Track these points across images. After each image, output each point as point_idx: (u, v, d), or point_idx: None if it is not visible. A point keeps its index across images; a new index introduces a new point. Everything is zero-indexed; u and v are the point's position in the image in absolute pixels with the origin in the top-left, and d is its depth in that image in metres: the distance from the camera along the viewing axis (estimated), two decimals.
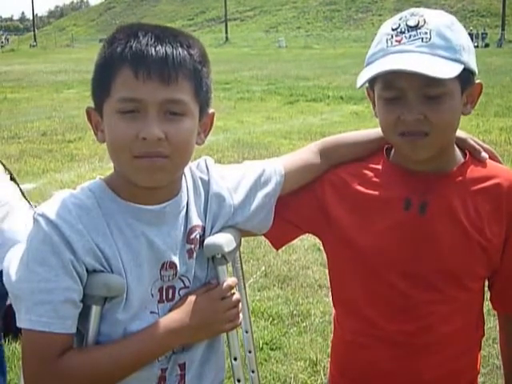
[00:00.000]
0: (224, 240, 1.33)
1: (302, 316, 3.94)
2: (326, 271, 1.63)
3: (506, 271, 1.45)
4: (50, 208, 1.19)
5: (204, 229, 1.34)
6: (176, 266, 1.29)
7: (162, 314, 1.28)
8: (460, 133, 1.45)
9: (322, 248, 1.60)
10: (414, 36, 1.29)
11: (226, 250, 1.33)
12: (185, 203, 1.32)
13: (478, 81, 1.38)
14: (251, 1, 77.73)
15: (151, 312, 1.27)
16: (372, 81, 1.35)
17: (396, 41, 1.30)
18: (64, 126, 11.47)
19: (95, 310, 1.21)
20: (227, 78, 19.29)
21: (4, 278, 1.22)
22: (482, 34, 47.47)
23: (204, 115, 1.28)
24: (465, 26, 1.40)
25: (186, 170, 1.34)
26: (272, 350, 3.54)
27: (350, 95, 14.70)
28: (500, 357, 1.66)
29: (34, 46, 66.20)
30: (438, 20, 1.30)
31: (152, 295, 1.27)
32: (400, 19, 1.33)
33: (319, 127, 10.90)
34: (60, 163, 8.57)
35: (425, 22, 1.29)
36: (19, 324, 1.18)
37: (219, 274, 1.35)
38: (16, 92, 17.35)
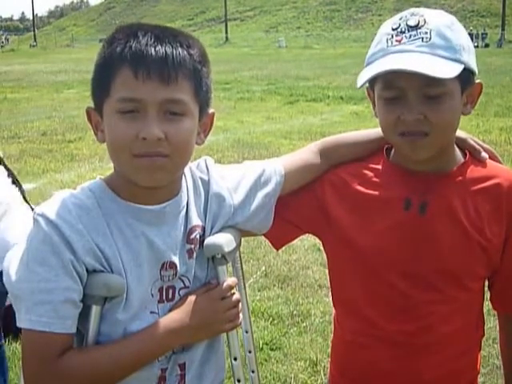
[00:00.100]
0: (224, 240, 1.33)
1: (302, 316, 3.94)
2: (326, 271, 1.63)
3: (506, 271, 1.45)
4: (50, 208, 1.19)
5: (204, 229, 1.34)
6: (176, 266, 1.29)
7: (162, 314, 1.28)
8: (460, 133, 1.45)
9: (322, 248, 1.60)
10: (414, 36, 1.29)
11: (226, 250, 1.33)
12: (185, 203, 1.32)
13: (478, 81, 1.38)
14: (251, 1, 77.73)
15: (151, 312, 1.27)
16: (372, 81, 1.35)
17: (396, 41, 1.30)
18: (64, 125, 11.47)
19: (95, 310, 1.21)
20: (227, 78, 19.29)
21: (4, 278, 1.22)
22: (482, 34, 47.47)
23: (204, 115, 1.28)
24: (465, 26, 1.40)
25: (186, 169, 1.34)
26: (272, 350, 3.54)
27: (350, 95, 14.70)
28: (500, 357, 1.66)
29: (33, 46, 66.22)
30: (438, 20, 1.30)
31: (152, 295, 1.27)
32: (400, 19, 1.33)
33: (319, 127, 10.90)
34: (60, 163, 8.57)
35: (425, 21, 1.29)
36: (19, 324, 1.18)
37: (219, 274, 1.35)
38: (16, 92, 17.36)
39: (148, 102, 1.16)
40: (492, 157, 1.49)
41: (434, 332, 1.44)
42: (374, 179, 1.47)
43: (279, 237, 1.56)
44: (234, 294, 1.34)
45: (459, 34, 1.32)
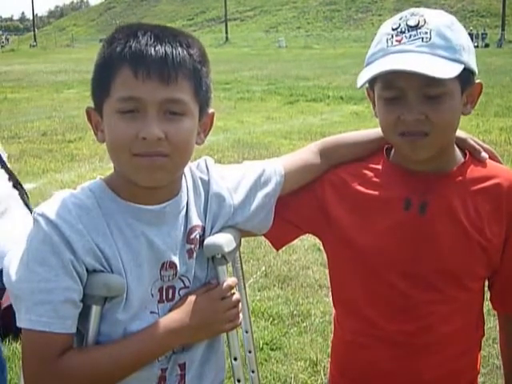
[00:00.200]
0: (224, 240, 1.33)
1: (302, 316, 3.94)
2: (326, 271, 1.63)
3: (506, 271, 1.45)
4: (50, 208, 1.19)
5: (204, 229, 1.34)
6: (176, 266, 1.29)
7: (162, 314, 1.28)
8: (460, 133, 1.45)
9: (322, 248, 1.60)
10: (414, 36, 1.29)
11: (226, 250, 1.33)
12: (185, 203, 1.32)
13: (478, 81, 1.38)
14: (251, 1, 77.75)
15: (151, 312, 1.27)
16: (372, 81, 1.35)
17: (396, 41, 1.30)
18: (64, 125, 11.47)
19: (95, 309, 1.21)
20: (227, 78, 19.29)
21: (4, 278, 1.22)
22: (482, 34, 47.48)
23: (204, 115, 1.28)
24: (465, 26, 1.40)
25: (186, 170, 1.34)
26: (272, 350, 3.54)
27: (350, 95, 14.69)
28: (500, 357, 1.66)
29: (34, 46, 66.24)
30: (438, 20, 1.30)
31: (152, 295, 1.27)
32: (400, 19, 1.32)
33: (319, 127, 10.89)
34: (60, 163, 8.57)
35: (425, 21, 1.29)
36: (19, 324, 1.18)
37: (219, 274, 1.35)
38: (16, 92, 17.35)
39: (148, 102, 1.16)
40: (492, 157, 1.49)
41: (434, 332, 1.44)
42: (374, 179, 1.47)
43: (279, 237, 1.56)
44: (234, 293, 1.34)
45: (459, 34, 1.32)
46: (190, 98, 1.20)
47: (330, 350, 1.68)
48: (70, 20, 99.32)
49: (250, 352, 1.51)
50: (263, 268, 4.73)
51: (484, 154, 1.46)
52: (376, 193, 1.45)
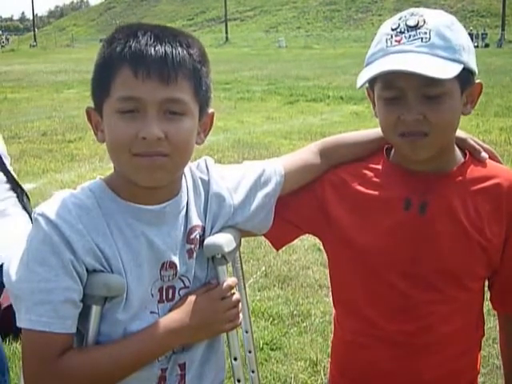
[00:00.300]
0: (224, 240, 1.33)
1: (303, 316, 3.94)
2: (326, 271, 1.63)
3: (506, 271, 1.45)
4: (50, 208, 1.19)
5: (204, 229, 1.34)
6: (176, 266, 1.29)
7: (162, 314, 1.28)
8: (460, 133, 1.45)
9: (322, 248, 1.60)
10: (414, 36, 1.29)
11: (226, 250, 1.33)
12: (185, 203, 1.32)
13: (478, 81, 1.38)
14: (251, 1, 77.74)
15: (151, 312, 1.27)
16: (372, 81, 1.35)
17: (396, 41, 1.30)
18: (64, 126, 11.47)
19: (95, 309, 1.21)
20: (227, 78, 19.29)
21: (4, 278, 1.22)
22: (482, 34, 47.48)
23: (204, 115, 1.28)
24: (465, 26, 1.40)
25: (186, 170, 1.34)
26: (272, 350, 3.54)
27: (350, 95, 14.69)
28: (500, 357, 1.66)
29: (34, 46, 66.24)
30: (437, 20, 1.30)
31: (152, 295, 1.27)
32: (400, 19, 1.32)
33: (319, 127, 10.89)
34: (60, 163, 8.57)
35: (424, 21, 1.29)
36: (19, 324, 1.18)
37: (219, 274, 1.35)
38: (16, 92, 17.35)
39: (148, 102, 1.16)
40: (492, 157, 1.49)
41: (434, 332, 1.44)
42: (374, 179, 1.47)
43: (279, 237, 1.56)
44: (234, 293, 1.34)
45: (459, 34, 1.32)
46: (189, 98, 1.20)
47: (330, 349, 1.68)
48: (70, 20, 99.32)
49: (250, 352, 1.51)
50: (263, 268, 4.73)
51: (484, 154, 1.46)
52: (376, 193, 1.45)
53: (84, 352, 1.22)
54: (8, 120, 12.10)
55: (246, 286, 1.57)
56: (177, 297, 1.31)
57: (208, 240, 1.33)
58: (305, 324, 3.83)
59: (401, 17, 1.33)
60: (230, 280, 1.35)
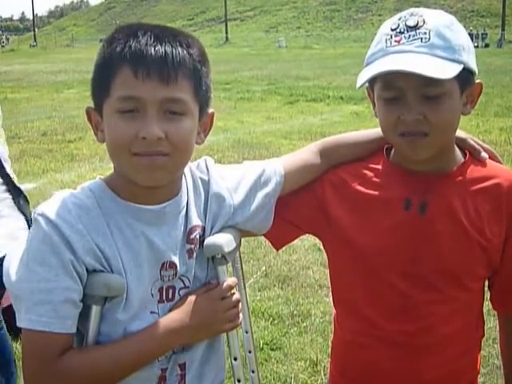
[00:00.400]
0: (224, 240, 1.33)
1: (303, 316, 3.94)
2: (327, 271, 1.63)
3: (506, 271, 1.45)
4: (50, 208, 1.19)
5: (204, 229, 1.34)
6: (176, 266, 1.29)
7: (162, 314, 1.28)
8: (460, 133, 1.45)
9: (322, 248, 1.60)
10: (413, 36, 1.28)
11: (226, 250, 1.33)
12: (185, 203, 1.32)
13: (477, 81, 1.38)
14: (251, 1, 77.75)
15: (151, 312, 1.27)
16: (372, 81, 1.35)
17: (395, 41, 1.30)
18: (64, 125, 11.47)
19: (95, 309, 1.21)
20: (227, 78, 19.29)
21: (4, 278, 1.22)
22: (482, 34, 47.48)
23: (204, 115, 1.28)
24: (465, 26, 1.40)
25: (186, 170, 1.34)
26: (272, 350, 3.54)
27: (350, 95, 14.70)
28: (500, 357, 1.66)
29: (34, 46, 66.24)
30: (437, 20, 1.30)
31: (152, 295, 1.27)
32: (399, 19, 1.32)
33: (319, 127, 10.90)
34: (60, 163, 8.57)
35: (424, 22, 1.29)
36: (19, 324, 1.18)
37: (219, 274, 1.35)
38: (16, 92, 17.35)
39: (148, 101, 1.16)
40: (492, 157, 1.49)
41: (434, 332, 1.44)
42: (374, 179, 1.47)
43: (279, 237, 1.56)
44: (233, 294, 1.34)
45: (458, 34, 1.32)
46: (189, 98, 1.20)
47: (330, 350, 1.68)
48: (70, 20, 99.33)
49: (250, 352, 1.51)
50: (263, 268, 4.73)
51: (484, 154, 1.46)
52: (376, 193, 1.45)
53: (84, 352, 1.22)
54: (8, 120, 12.06)
55: (246, 285, 1.57)
56: (177, 297, 1.31)
57: (208, 240, 1.33)
58: (305, 324, 3.83)
59: (400, 17, 1.33)
60: (229, 280, 1.35)
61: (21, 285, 1.18)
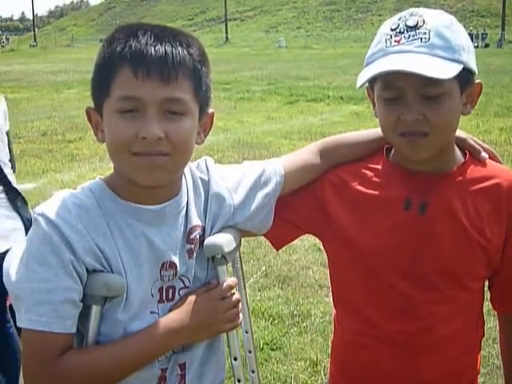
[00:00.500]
0: (224, 240, 1.33)
1: (303, 316, 3.94)
2: (327, 271, 1.63)
3: (506, 271, 1.45)
4: (50, 208, 1.19)
5: (204, 229, 1.34)
6: (176, 266, 1.29)
7: (162, 314, 1.27)
8: (460, 133, 1.45)
9: (322, 248, 1.60)
10: (413, 36, 1.28)
11: (226, 250, 1.33)
12: (185, 203, 1.32)
13: (477, 81, 1.38)
14: (251, 1, 77.75)
15: (151, 312, 1.27)
16: (372, 81, 1.35)
17: (395, 41, 1.30)
18: (64, 125, 11.47)
19: (95, 309, 1.21)
20: (227, 78, 19.30)
21: (4, 278, 1.22)
22: (482, 34, 47.47)
23: (204, 115, 1.28)
24: (465, 26, 1.40)
25: (186, 170, 1.34)
26: (272, 350, 3.54)
27: (350, 95, 14.70)
28: (500, 357, 1.66)
29: (34, 46, 66.24)
30: (437, 20, 1.30)
31: (152, 295, 1.27)
32: (399, 19, 1.32)
33: (319, 127, 10.90)
34: (60, 163, 8.57)
35: (424, 22, 1.29)
36: (19, 324, 1.18)
37: (219, 274, 1.35)
38: (16, 92, 17.35)
39: (148, 101, 1.16)
40: (492, 157, 1.49)
41: (434, 332, 1.44)
42: (374, 179, 1.47)
43: (279, 237, 1.56)
44: (233, 293, 1.34)
45: (458, 34, 1.32)
46: (190, 98, 1.20)
47: (330, 349, 1.68)
48: (70, 20, 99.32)
49: (250, 352, 1.51)
50: (263, 268, 4.73)
51: (484, 154, 1.46)
52: (376, 193, 1.45)
53: (84, 352, 1.22)
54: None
55: (246, 285, 1.57)
56: (177, 297, 1.31)
57: (208, 240, 1.33)
58: (305, 324, 3.83)
59: (400, 17, 1.33)
60: (229, 280, 1.35)
61: (21, 285, 1.18)
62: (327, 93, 15.74)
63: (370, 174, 1.47)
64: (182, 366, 1.33)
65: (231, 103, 14.24)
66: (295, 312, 3.99)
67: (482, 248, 1.40)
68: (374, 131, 1.51)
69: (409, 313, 1.43)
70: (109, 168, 1.29)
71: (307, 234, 1.60)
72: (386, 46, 1.31)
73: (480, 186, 1.42)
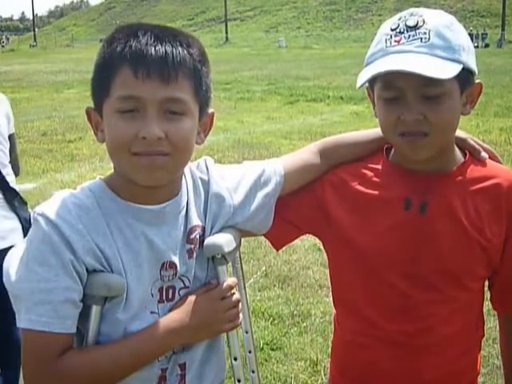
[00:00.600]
0: (224, 240, 1.33)
1: (303, 316, 3.94)
2: (327, 271, 1.63)
3: (506, 271, 1.45)
4: (50, 208, 1.19)
5: (204, 229, 1.34)
6: (176, 266, 1.29)
7: (162, 314, 1.28)
8: (460, 133, 1.45)
9: (322, 248, 1.60)
10: (413, 36, 1.28)
11: (226, 250, 1.33)
12: (185, 203, 1.32)
13: (477, 81, 1.38)
14: (251, 1, 77.75)
15: (151, 312, 1.27)
16: (372, 81, 1.35)
17: (395, 41, 1.30)
18: (64, 125, 11.47)
19: (95, 309, 1.21)
20: (227, 78, 19.30)
21: (4, 278, 1.22)
22: (482, 34, 47.48)
23: (204, 115, 1.28)
24: (465, 26, 1.40)
25: (186, 170, 1.34)
26: (272, 350, 3.54)
27: (350, 95, 14.70)
28: (500, 357, 1.66)
29: (33, 45, 66.25)
30: (437, 20, 1.30)
31: (152, 295, 1.27)
32: (399, 19, 1.32)
33: (319, 127, 10.90)
34: (60, 163, 8.57)
35: (424, 22, 1.29)
36: (19, 324, 1.18)
37: (219, 274, 1.35)
38: (16, 92, 17.34)
39: (148, 101, 1.16)
40: (492, 157, 1.49)
41: (434, 333, 1.44)
42: (374, 179, 1.47)
43: (279, 237, 1.56)
44: (233, 294, 1.34)
45: (458, 34, 1.32)
46: (190, 98, 1.21)
47: (330, 350, 1.68)
48: (70, 20, 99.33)
49: (250, 352, 1.51)
50: (263, 268, 4.73)
51: (484, 154, 1.46)
52: (376, 193, 1.45)
53: (84, 352, 1.22)
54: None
55: (246, 285, 1.57)
56: (177, 297, 1.31)
57: (208, 240, 1.33)
58: (305, 324, 3.84)
59: (400, 17, 1.33)
60: (229, 280, 1.35)
61: (21, 285, 1.18)
62: (327, 93, 15.74)
63: (369, 173, 1.47)
64: (182, 366, 1.33)
65: (231, 103, 14.24)
66: (295, 312, 3.99)
67: (481, 248, 1.40)
68: (373, 131, 1.51)
69: (409, 313, 1.43)
70: (109, 168, 1.29)
71: (307, 234, 1.60)
72: (386, 46, 1.31)
73: (480, 186, 1.42)
